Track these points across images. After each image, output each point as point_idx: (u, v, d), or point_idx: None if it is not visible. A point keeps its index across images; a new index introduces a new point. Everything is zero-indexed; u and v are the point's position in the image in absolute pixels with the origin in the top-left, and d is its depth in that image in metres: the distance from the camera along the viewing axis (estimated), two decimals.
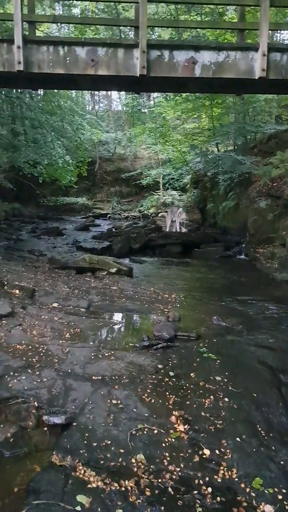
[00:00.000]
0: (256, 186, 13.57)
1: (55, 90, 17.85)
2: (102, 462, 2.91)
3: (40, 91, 18.99)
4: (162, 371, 4.28)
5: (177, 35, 10.26)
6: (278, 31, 12.68)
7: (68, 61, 5.52)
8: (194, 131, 19.89)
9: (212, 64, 5.81)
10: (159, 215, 20.70)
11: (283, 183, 11.89)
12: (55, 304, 6.63)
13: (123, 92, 33.03)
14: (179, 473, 2.83)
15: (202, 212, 20.36)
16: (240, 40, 6.08)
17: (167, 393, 3.84)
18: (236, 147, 16.89)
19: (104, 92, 37.10)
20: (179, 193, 23.48)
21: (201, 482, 2.75)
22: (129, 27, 6.86)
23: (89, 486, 2.66)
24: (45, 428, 3.32)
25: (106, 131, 29.77)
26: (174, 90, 8.32)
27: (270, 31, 6.22)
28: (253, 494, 2.67)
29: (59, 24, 10.47)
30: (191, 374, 4.22)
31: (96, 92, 36.18)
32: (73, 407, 3.57)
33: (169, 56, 5.72)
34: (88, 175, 25.92)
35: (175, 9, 10.14)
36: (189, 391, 3.91)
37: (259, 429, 3.40)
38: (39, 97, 18.04)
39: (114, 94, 36.79)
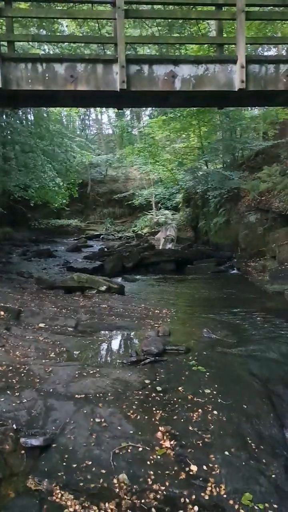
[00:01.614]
0: (245, 201, 13.62)
1: (45, 115, 18.14)
2: (81, 484, 2.72)
3: (30, 116, 19.28)
4: (149, 386, 4.10)
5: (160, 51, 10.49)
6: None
7: (47, 78, 5.54)
8: (184, 150, 20.12)
9: (192, 77, 5.85)
10: (157, 235, 20.68)
11: (271, 196, 11.94)
12: (41, 324, 6.46)
13: (113, 115, 33.65)
14: (164, 492, 2.64)
15: (195, 230, 20.39)
16: (219, 54, 6.16)
17: (154, 409, 3.66)
18: (224, 164, 17.06)
19: (94, 116, 37.78)
20: (171, 212, 23.58)
21: (187, 500, 2.57)
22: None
23: (65, 510, 2.47)
24: (23, 451, 3.12)
25: (98, 154, 30.11)
26: (156, 104, 8.40)
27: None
28: (242, 511, 2.49)
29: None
30: (179, 388, 4.05)
31: (87, 117, 36.84)
32: (54, 427, 3.39)
33: (148, 71, 5.76)
34: (81, 197, 26.03)
35: (157, 30, 10.38)
36: (176, 406, 3.73)
37: (249, 441, 3.23)
38: (29, 122, 18.26)
39: (104, 117, 37.45)
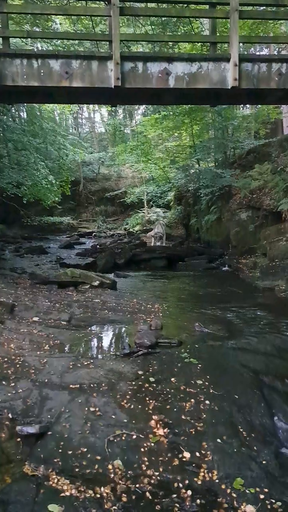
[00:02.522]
0: (237, 199, 13.74)
1: (38, 113, 18.07)
2: (77, 470, 2.78)
3: (23, 114, 19.18)
4: (142, 377, 4.17)
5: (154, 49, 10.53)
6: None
7: (42, 74, 5.57)
8: (176, 148, 20.20)
9: (186, 75, 5.92)
10: (149, 233, 20.74)
11: (262, 194, 12.07)
12: (35, 318, 6.49)
13: (105, 114, 33.59)
14: (158, 477, 2.71)
15: (186, 228, 20.50)
16: (212, 52, 6.23)
17: (147, 399, 3.73)
18: (216, 163, 17.17)
19: (87, 115, 37.68)
20: (163, 210, 23.67)
21: (180, 485, 2.64)
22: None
23: (62, 494, 2.53)
24: (19, 439, 3.17)
25: (90, 152, 30.05)
26: (150, 102, 8.45)
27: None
28: (234, 495, 2.57)
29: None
30: (172, 379, 4.12)
31: (80, 115, 36.71)
32: (49, 416, 3.44)
33: (143, 68, 5.81)
34: (73, 195, 25.96)
35: (151, 29, 10.42)
36: (169, 396, 3.81)
37: (241, 430, 3.31)
38: (22, 120, 18.15)
39: (97, 116, 37.37)
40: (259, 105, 16.43)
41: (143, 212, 24.37)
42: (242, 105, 19.81)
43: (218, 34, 6.93)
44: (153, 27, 10.44)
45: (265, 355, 5.01)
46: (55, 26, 13.45)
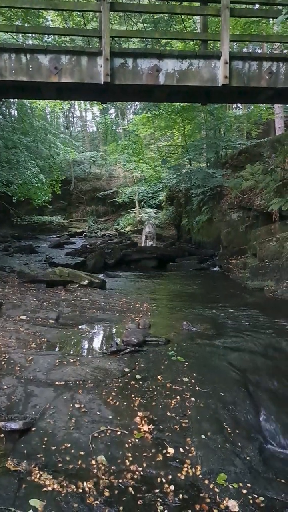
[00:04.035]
0: (228, 199, 13.80)
1: (29, 111, 17.96)
2: (60, 465, 2.74)
3: (14, 111, 19.06)
4: (128, 374, 4.15)
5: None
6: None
7: (31, 69, 5.52)
8: (168, 148, 20.22)
9: (176, 72, 5.91)
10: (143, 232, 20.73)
11: (253, 194, 12.13)
12: (22, 316, 6.43)
13: (97, 112, 33.50)
14: (141, 473, 2.69)
15: (178, 228, 20.53)
16: (203, 50, 6.23)
17: (133, 396, 3.71)
18: (208, 163, 17.22)
19: (78, 113, 37.57)
20: (155, 211, 23.66)
21: (163, 480, 2.62)
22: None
23: (44, 489, 2.49)
24: (2, 435, 3.12)
25: (81, 151, 29.97)
26: (140, 99, 8.43)
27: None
28: (217, 490, 2.56)
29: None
30: (158, 377, 4.10)
31: (71, 114, 36.59)
32: (33, 412, 3.40)
33: (133, 64, 5.80)
34: (64, 194, 25.88)
35: (143, 27, 10.41)
36: (155, 393, 3.79)
37: (225, 426, 3.30)
38: (12, 118, 18.04)
39: (89, 115, 37.29)
40: (252, 105, 16.53)
41: (135, 213, 24.35)
42: (234, 105, 19.93)
43: (210, 32, 6.94)
44: (145, 25, 10.43)
45: (252, 354, 5.00)
46: (47, 23, 13.39)
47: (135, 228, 22.68)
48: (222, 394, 3.86)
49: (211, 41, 6.78)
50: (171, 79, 5.89)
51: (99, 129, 33.14)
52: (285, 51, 10.49)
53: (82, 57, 5.66)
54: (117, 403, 3.57)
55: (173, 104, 13.56)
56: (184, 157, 17.23)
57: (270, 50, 15.23)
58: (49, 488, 2.49)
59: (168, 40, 10.41)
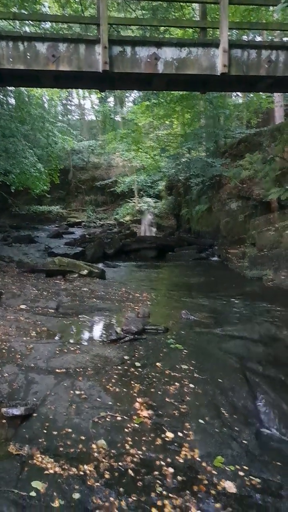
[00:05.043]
0: (227, 189, 13.79)
1: (26, 99, 17.79)
2: (61, 449, 2.81)
3: (11, 99, 18.86)
4: (128, 362, 4.21)
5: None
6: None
7: (28, 57, 5.49)
8: (167, 137, 20.10)
9: (175, 60, 5.88)
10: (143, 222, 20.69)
11: (252, 184, 12.12)
12: (22, 306, 6.49)
13: (96, 101, 33.18)
14: (141, 456, 2.76)
15: (177, 218, 20.52)
16: (202, 38, 6.18)
17: (132, 382, 3.77)
18: (207, 152, 17.15)
19: (76, 101, 37.21)
20: (154, 200, 23.60)
21: (162, 463, 2.69)
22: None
23: (46, 472, 2.56)
24: (4, 421, 3.19)
25: (80, 140, 29.75)
26: (139, 87, 8.39)
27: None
28: (214, 472, 2.63)
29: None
30: (157, 364, 4.16)
31: (69, 102, 36.26)
32: (35, 399, 3.46)
33: (131, 52, 5.76)
34: (62, 184, 25.75)
35: (142, 14, 10.29)
36: (154, 380, 3.85)
37: (223, 411, 3.37)
38: (10, 106, 17.86)
39: (87, 103, 36.96)
40: (251, 94, 16.41)
41: (134, 202, 24.29)
42: (234, 94, 19.76)
43: (209, 20, 6.87)
44: (143, 12, 10.31)
45: (250, 342, 5.07)
46: (44, 9, 13.21)
47: (134, 218, 22.65)
48: (220, 380, 3.93)
49: (210, 29, 6.71)
50: (170, 68, 5.86)
51: (97, 117, 32.87)
52: (284, 39, 10.40)
53: (80, 45, 5.63)
54: (117, 389, 3.63)
55: (172, 92, 13.47)
56: (183, 146, 17.15)
57: (269, 38, 15.08)
58: (51, 471, 2.56)
59: (167, 28, 10.30)
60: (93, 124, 35.58)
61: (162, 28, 10.35)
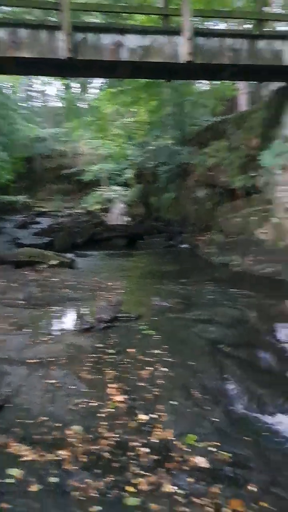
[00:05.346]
0: (194, 176, 13.93)
1: None
2: (37, 437, 2.85)
3: None
4: (101, 349, 4.27)
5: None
6: None
7: None
8: (133, 125, 19.98)
9: (139, 47, 5.87)
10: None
11: (218, 171, 12.29)
12: None
13: (60, 87, 32.40)
14: (116, 439, 2.84)
15: (146, 206, 20.54)
16: (166, 25, 6.18)
17: (106, 369, 3.85)
18: (174, 140, 17.19)
19: (40, 88, 36.22)
20: (123, 188, 23.48)
21: (137, 444, 2.78)
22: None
23: (22, 459, 2.60)
24: None
25: (44, 128, 29.09)
26: (103, 75, 8.31)
27: None
28: (187, 450, 2.75)
29: None
30: (130, 350, 4.25)
31: (32, 88, 35.25)
32: (8, 390, 3.47)
33: (95, 39, 5.70)
34: (28, 172, 25.21)
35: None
36: (128, 365, 3.94)
37: (195, 392, 3.50)
38: None
39: (51, 90, 36.08)
40: (216, 82, 16.51)
41: (102, 191, 24.10)
42: (199, 81, 19.82)
43: (172, 7, 6.86)
44: None
45: (220, 325, 5.25)
46: None
47: (103, 207, 22.49)
48: (192, 363, 4.07)
49: (174, 16, 6.70)
50: (134, 55, 5.85)
51: (62, 104, 32.14)
52: (247, 27, 10.52)
53: (42, 31, 5.52)
54: (91, 377, 3.70)
55: (137, 79, 13.37)
56: (150, 134, 17.13)
57: (233, 26, 15.19)
58: (28, 458, 2.60)
59: (131, 15, 10.19)
60: (58, 111, 34.78)
61: (125, 15, 10.21)
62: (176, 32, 5.89)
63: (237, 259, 9.28)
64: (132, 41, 5.77)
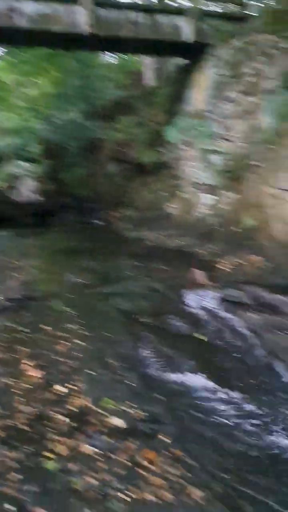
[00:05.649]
0: (105, 151, 13.87)
1: None
2: None
3: None
4: (14, 329, 4.24)
5: None
6: None
7: None
8: (38, 97, 19.01)
9: (36, 15, 5.59)
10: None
11: (128, 147, 12.39)
12: None
13: None
14: (36, 413, 2.89)
15: (57, 182, 19.96)
16: None
17: (21, 347, 3.84)
18: (82, 114, 16.80)
19: None
20: (30, 164, 22.46)
21: (54, 414, 2.86)
22: None
23: None
24: None
25: None
26: None
27: None
28: (105, 413, 2.90)
29: None
30: (45, 327, 4.27)
31: None
32: None
33: None
34: None
35: None
36: (44, 342, 3.97)
37: (111, 361, 3.67)
38: None
39: None
40: (125, 56, 16.36)
41: (8, 167, 22.82)
42: (109, 54, 19.43)
43: None
44: None
45: (134, 297, 5.48)
46: None
47: (9, 184, 21.37)
48: (108, 334, 4.24)
49: None
50: (30, 23, 5.57)
51: None
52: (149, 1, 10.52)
53: None
54: (5, 356, 3.67)
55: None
56: (56, 107, 16.49)
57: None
58: None
59: None
60: None
61: None
62: (76, 1, 5.72)
63: (150, 233, 9.55)
64: (28, 7, 5.47)
